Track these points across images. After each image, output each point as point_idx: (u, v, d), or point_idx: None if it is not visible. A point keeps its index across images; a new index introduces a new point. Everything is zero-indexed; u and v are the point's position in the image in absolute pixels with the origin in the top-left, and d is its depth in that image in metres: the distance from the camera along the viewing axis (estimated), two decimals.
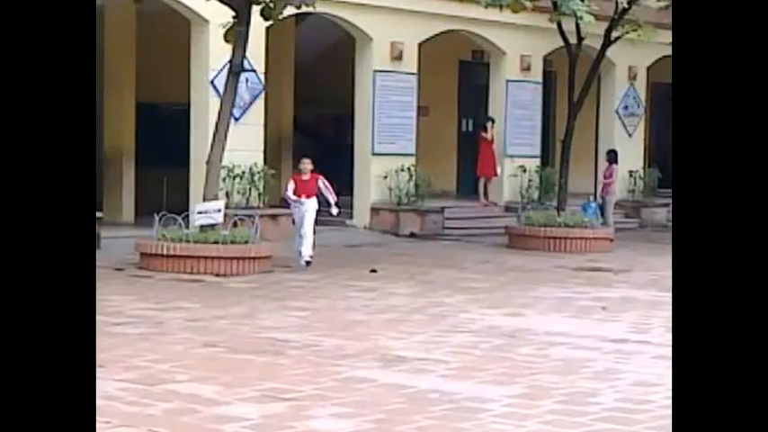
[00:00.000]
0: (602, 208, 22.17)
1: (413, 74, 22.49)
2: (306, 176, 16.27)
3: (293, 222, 16.73)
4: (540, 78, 25.12)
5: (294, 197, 16.20)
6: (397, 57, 22.13)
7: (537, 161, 24.89)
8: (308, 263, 16.06)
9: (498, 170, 24.08)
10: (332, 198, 16.37)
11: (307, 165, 16.35)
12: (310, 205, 16.22)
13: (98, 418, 6.68)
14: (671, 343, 3.74)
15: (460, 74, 27.31)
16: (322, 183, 16.29)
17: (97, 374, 7.97)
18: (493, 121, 24.18)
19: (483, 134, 24.24)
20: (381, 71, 22.00)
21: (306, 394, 7.66)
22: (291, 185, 16.34)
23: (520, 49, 24.47)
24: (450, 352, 9.47)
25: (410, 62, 22.38)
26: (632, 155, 26.46)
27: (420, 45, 22.61)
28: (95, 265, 3.75)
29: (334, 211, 16.49)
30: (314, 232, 16.33)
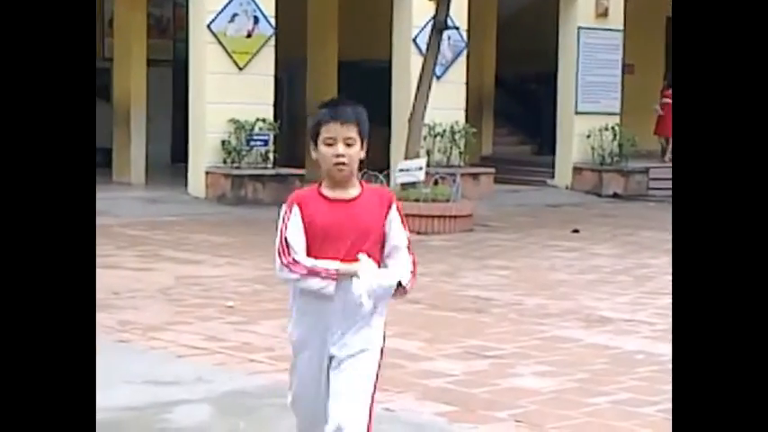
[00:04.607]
0: None
1: (618, 31, 22.04)
2: (338, 192, 4.38)
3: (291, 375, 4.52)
4: None
5: (300, 265, 4.30)
6: (603, 13, 21.72)
7: None
8: None
9: None
10: (395, 280, 4.32)
11: (345, 141, 4.35)
12: (362, 312, 4.31)
13: None
14: None
15: (668, 31, 26.63)
16: (397, 219, 4.42)
17: None
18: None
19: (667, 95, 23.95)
20: (586, 28, 21.63)
21: (508, 352, 7.59)
22: (296, 223, 4.34)
23: None
24: (655, 314, 9.24)
25: (616, 19, 21.93)
26: None
27: (626, 1, 22.11)
28: (95, 255, 3.67)
29: (368, 302, 4.25)
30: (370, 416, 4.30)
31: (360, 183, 4.43)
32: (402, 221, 4.42)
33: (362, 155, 4.41)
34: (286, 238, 4.32)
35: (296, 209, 4.34)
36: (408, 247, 4.42)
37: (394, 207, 4.40)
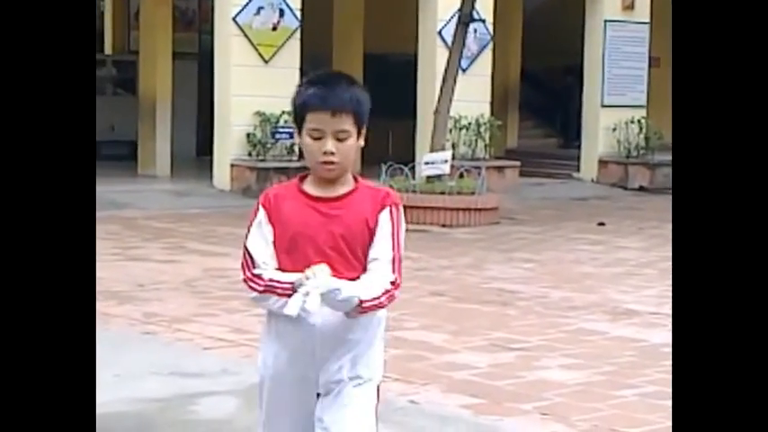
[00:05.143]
0: None
1: (645, 23, 21.95)
2: (322, 189, 3.54)
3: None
4: None
5: (261, 280, 3.50)
6: (629, 6, 21.64)
7: None
8: None
9: None
10: (351, 294, 3.39)
11: (336, 135, 3.46)
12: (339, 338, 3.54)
13: None
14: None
15: None
16: (387, 226, 3.51)
17: None
18: None
19: None
20: (612, 21, 21.55)
21: (534, 345, 7.57)
22: (261, 229, 3.54)
23: None
24: None
25: (642, 11, 21.84)
26: None
27: None
28: (95, 252, 3.62)
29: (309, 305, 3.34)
30: None
31: (354, 178, 3.56)
32: (394, 230, 3.49)
33: (361, 143, 3.53)
34: (248, 249, 3.52)
35: (262, 212, 3.52)
36: (394, 262, 3.47)
37: (387, 211, 3.49)
